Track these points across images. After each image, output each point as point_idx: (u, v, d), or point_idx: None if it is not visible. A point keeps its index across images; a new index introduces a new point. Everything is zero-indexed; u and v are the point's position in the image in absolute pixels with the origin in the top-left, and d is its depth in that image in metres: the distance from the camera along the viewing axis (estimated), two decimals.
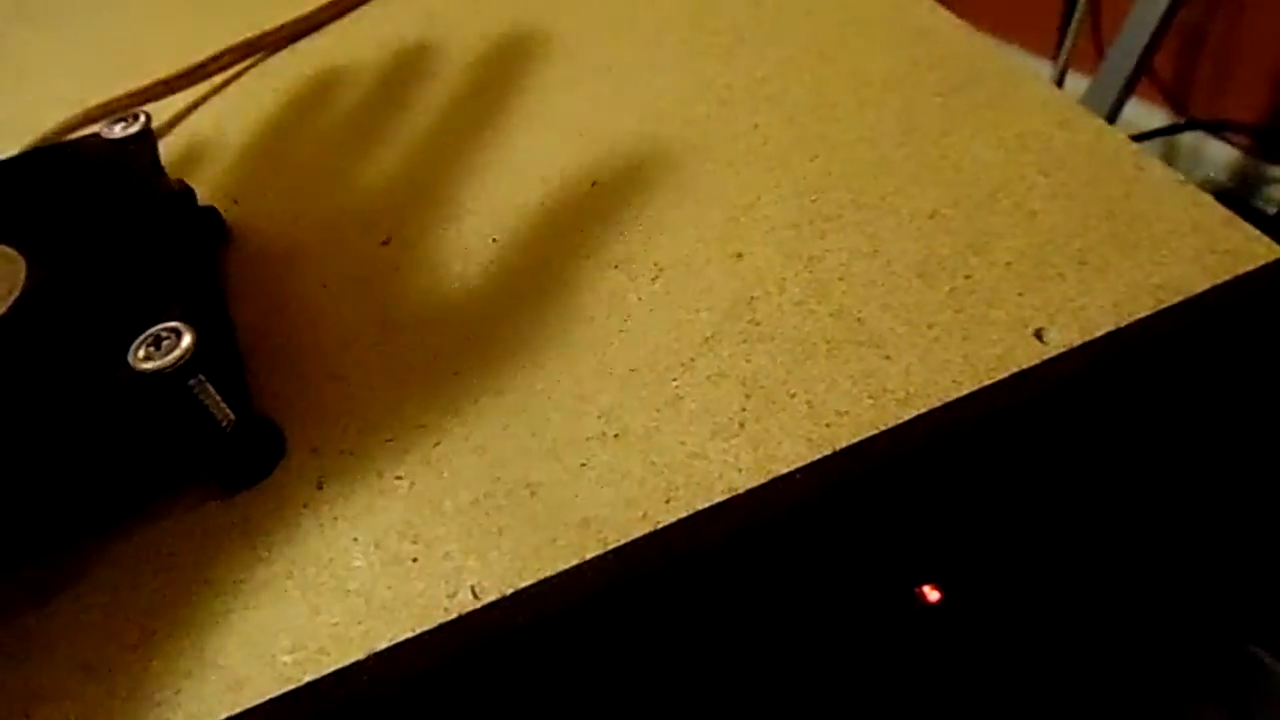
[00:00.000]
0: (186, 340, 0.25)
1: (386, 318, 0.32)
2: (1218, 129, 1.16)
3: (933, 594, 0.40)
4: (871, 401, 0.27)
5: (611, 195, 0.35)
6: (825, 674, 0.37)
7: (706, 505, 0.26)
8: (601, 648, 0.28)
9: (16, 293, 0.27)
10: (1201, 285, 0.29)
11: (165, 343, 0.25)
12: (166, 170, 0.33)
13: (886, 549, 0.34)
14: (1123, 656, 0.52)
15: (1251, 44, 1.11)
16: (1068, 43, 1.20)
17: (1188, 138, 1.19)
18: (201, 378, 0.25)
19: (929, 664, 0.42)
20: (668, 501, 0.26)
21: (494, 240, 0.34)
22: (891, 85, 0.37)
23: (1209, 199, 0.31)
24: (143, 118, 0.33)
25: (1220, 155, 1.18)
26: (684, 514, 0.25)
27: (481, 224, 0.35)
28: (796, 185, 0.34)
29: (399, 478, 0.27)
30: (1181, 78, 1.20)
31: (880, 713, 0.42)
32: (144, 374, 0.24)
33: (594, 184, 0.35)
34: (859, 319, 0.29)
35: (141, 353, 0.25)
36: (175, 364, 0.24)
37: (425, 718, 0.26)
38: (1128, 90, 1.05)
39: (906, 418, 0.27)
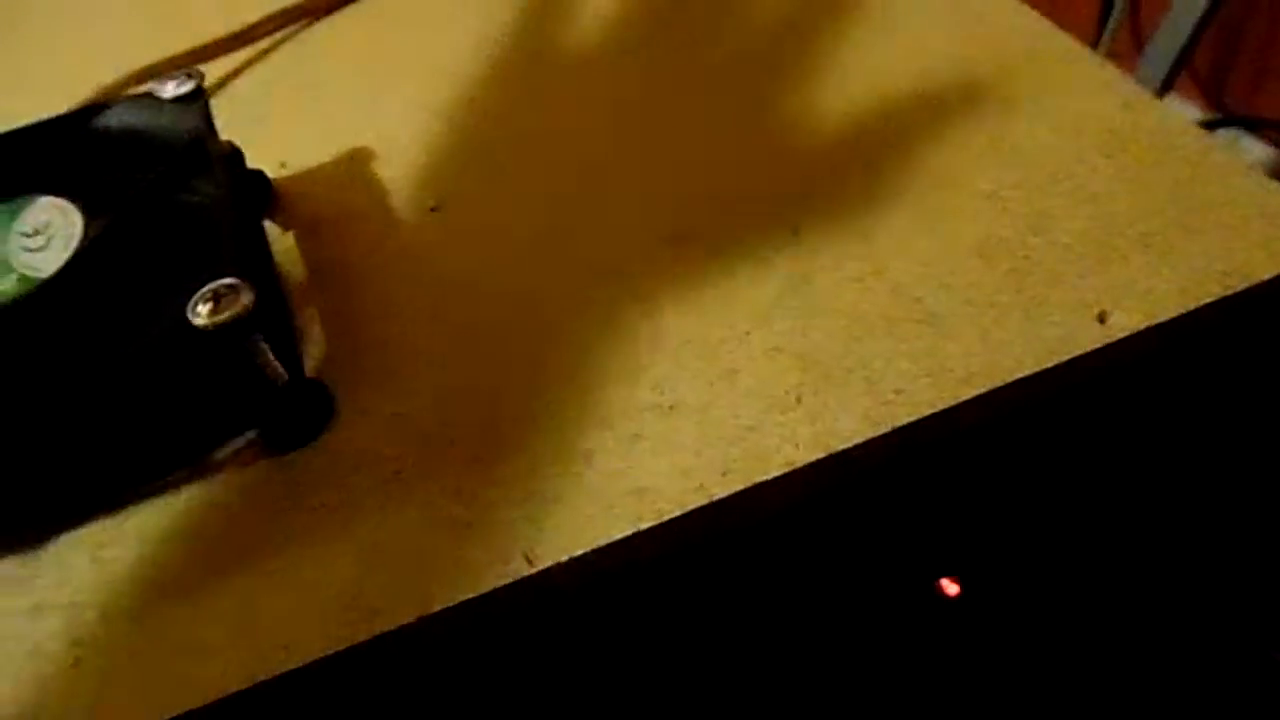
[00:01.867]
0: (246, 297, 0.24)
1: (436, 284, 0.32)
2: (1254, 126, 1.14)
3: (952, 588, 0.39)
4: (930, 380, 0.27)
5: (668, 166, 0.34)
6: (843, 663, 0.37)
7: (764, 479, 0.25)
8: (648, 618, 0.28)
9: (75, 244, 0.27)
10: (1269, 271, 0.28)
11: (225, 299, 0.24)
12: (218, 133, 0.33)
13: (914, 537, 0.34)
14: (1143, 659, 0.52)
15: None
16: (1106, 37, 1.18)
17: (1224, 134, 1.17)
18: (259, 336, 0.25)
19: (945, 657, 0.41)
20: (724, 474, 0.25)
21: (546, 212, 0.34)
22: (949, 64, 0.37)
23: (1276, 185, 0.31)
24: (196, 77, 0.33)
25: (1256, 152, 1.16)
26: (741, 486, 0.25)
27: (533, 191, 0.35)
28: (856, 162, 0.33)
29: (451, 442, 0.27)
30: (1219, 74, 1.18)
31: (898, 704, 0.42)
32: (205, 328, 0.24)
33: (650, 155, 0.35)
34: (917, 298, 0.29)
35: (201, 308, 0.24)
36: (235, 319, 0.24)
37: (477, 683, 0.26)
38: (1166, 86, 1.04)
39: (966, 397, 0.26)
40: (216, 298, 0.25)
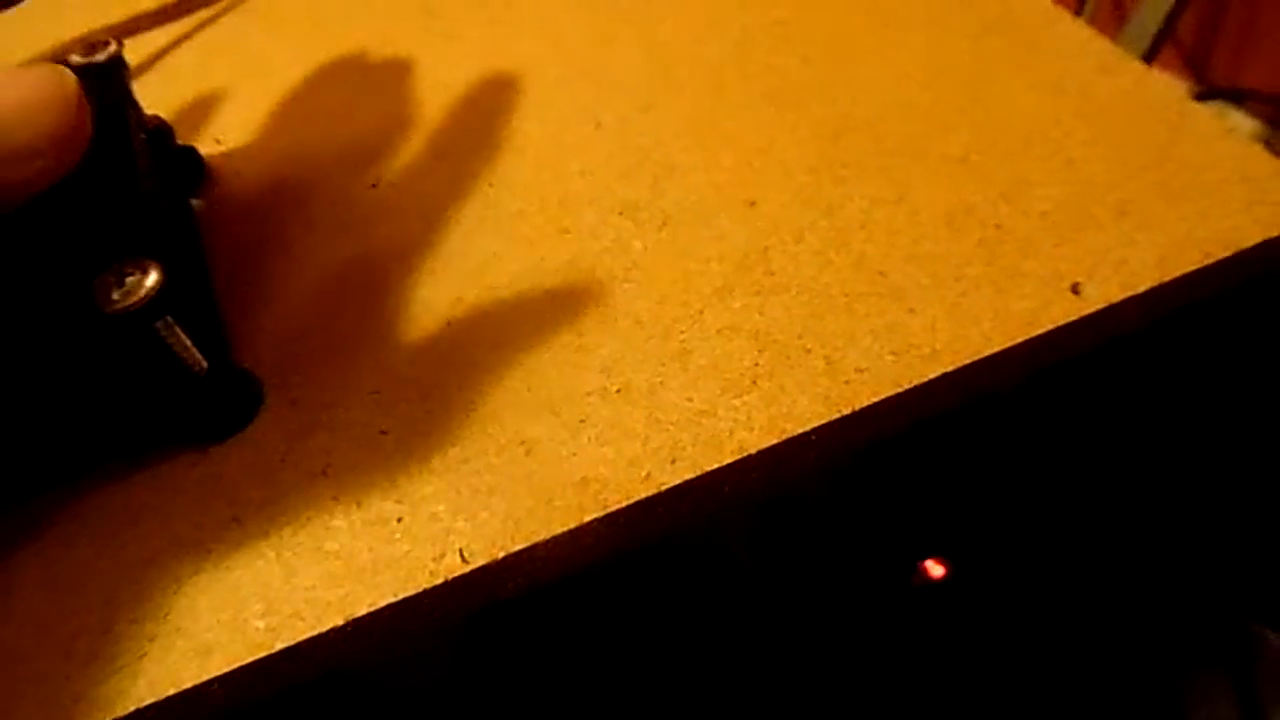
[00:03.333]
0: (153, 278, 0.22)
1: (374, 265, 0.30)
2: (1240, 98, 1.13)
3: (937, 569, 0.38)
4: (894, 358, 0.25)
5: (617, 137, 0.33)
6: (828, 647, 0.36)
7: (715, 466, 0.24)
8: (599, 617, 0.26)
9: None
10: (1252, 238, 0.27)
11: (130, 280, 0.22)
12: (143, 107, 0.31)
13: (896, 520, 0.32)
14: (1127, 634, 0.51)
15: (1275, 11, 1.08)
16: (1087, 9, 1.16)
17: (1209, 106, 1.16)
18: (169, 319, 0.23)
19: (930, 638, 0.40)
20: (673, 461, 0.24)
21: (490, 185, 0.32)
22: (918, 25, 0.35)
23: (1259, 149, 0.29)
24: (113, 44, 0.30)
25: (1242, 124, 1.15)
26: (690, 475, 0.24)
27: (477, 166, 0.33)
28: (815, 129, 0.32)
29: (383, 432, 0.25)
30: (1203, 46, 1.16)
31: (883, 687, 0.40)
32: (106, 314, 0.22)
33: (598, 125, 0.33)
34: (881, 271, 0.27)
35: (104, 292, 0.22)
36: (140, 303, 0.22)
37: (409, 689, 0.24)
38: (1149, 58, 1.02)
39: (932, 376, 0.25)
40: (121, 279, 0.23)
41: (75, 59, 0.30)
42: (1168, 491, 0.40)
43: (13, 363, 0.23)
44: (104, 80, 0.29)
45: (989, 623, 0.42)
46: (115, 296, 0.22)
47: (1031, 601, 0.42)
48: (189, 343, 0.24)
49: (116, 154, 0.27)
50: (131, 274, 0.23)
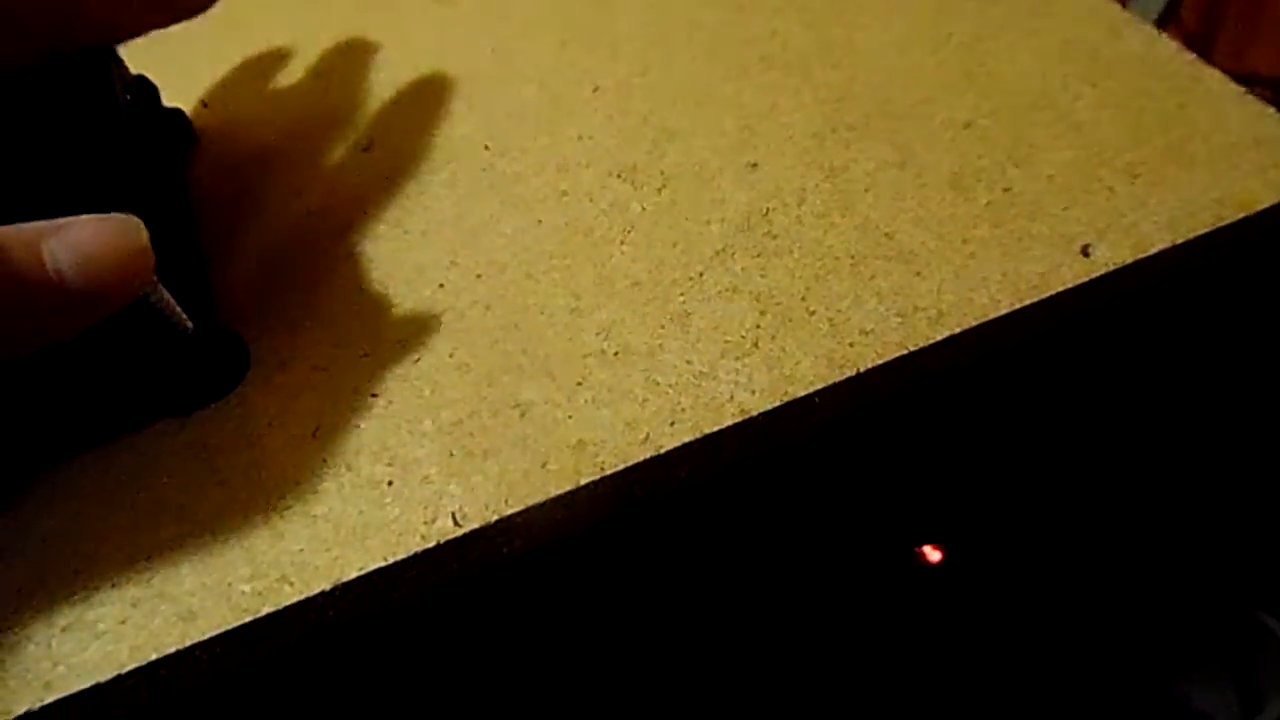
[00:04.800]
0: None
1: (367, 227, 0.29)
2: (1245, 82, 1.12)
3: (934, 554, 0.37)
4: (900, 320, 0.24)
5: (615, 100, 0.32)
6: (820, 622, 0.35)
7: (715, 429, 0.23)
8: (595, 580, 0.25)
9: None
10: (1265, 201, 0.26)
11: None
12: (131, 68, 0.30)
13: (896, 497, 0.32)
14: (1127, 620, 0.50)
15: None
16: None
17: None
18: (155, 280, 0.22)
19: (928, 624, 0.39)
20: (672, 424, 0.23)
21: (486, 147, 0.31)
22: None
23: (1272, 111, 0.28)
24: None
25: None
26: (689, 438, 0.23)
27: (472, 129, 0.32)
28: (818, 93, 0.31)
29: (374, 395, 0.25)
30: (1207, 29, 1.15)
31: (880, 671, 0.40)
32: None
33: (596, 89, 0.32)
34: (886, 233, 0.27)
35: None
36: None
37: (398, 655, 0.24)
38: None
39: (938, 338, 0.24)
40: None
41: None
42: (1169, 476, 0.39)
43: None
44: None
45: (987, 608, 0.42)
46: None
47: (1030, 587, 0.42)
48: (175, 304, 0.23)
49: (97, 115, 0.27)
50: None
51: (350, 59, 0.36)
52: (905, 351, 0.24)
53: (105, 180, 0.24)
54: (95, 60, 0.28)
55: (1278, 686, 0.58)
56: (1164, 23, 0.98)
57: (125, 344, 0.24)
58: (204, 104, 0.34)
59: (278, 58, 0.36)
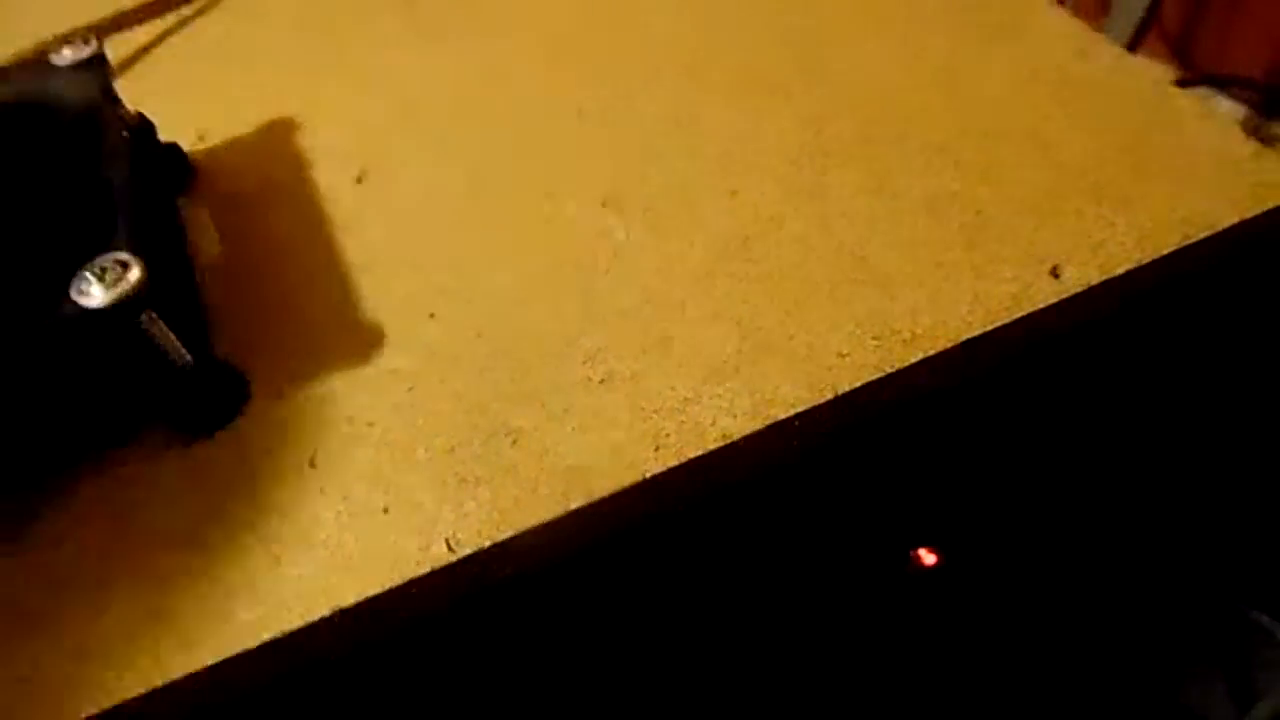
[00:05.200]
0: (135, 273, 0.23)
1: (359, 258, 0.30)
2: (1225, 84, 1.13)
3: (929, 558, 0.38)
4: (876, 343, 0.25)
5: (599, 126, 0.33)
6: (816, 634, 0.36)
7: (699, 453, 0.24)
8: (586, 605, 0.26)
9: None
10: (1229, 219, 0.27)
11: (112, 275, 0.23)
12: (127, 104, 0.31)
13: (885, 507, 0.33)
14: (1122, 620, 0.51)
15: None
16: None
17: (1195, 93, 1.16)
18: (153, 314, 0.23)
19: (923, 627, 0.40)
20: (657, 449, 0.24)
21: (474, 177, 0.32)
22: (897, 13, 0.35)
23: (1236, 130, 0.29)
24: (94, 42, 0.30)
25: (1228, 110, 1.15)
26: (674, 462, 0.24)
27: (460, 159, 0.33)
28: (796, 117, 0.32)
29: (370, 424, 0.26)
30: (1188, 31, 1.17)
31: (877, 674, 0.41)
32: (89, 309, 0.22)
33: (580, 114, 0.33)
34: (862, 257, 0.27)
35: (89, 285, 0.23)
36: (123, 298, 0.22)
37: (397, 679, 0.24)
38: (1134, 45, 1.03)
39: (913, 360, 0.25)
40: (103, 274, 0.23)
41: (55, 59, 0.30)
42: (1162, 477, 0.40)
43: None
44: (85, 77, 0.30)
45: (982, 610, 0.42)
46: (97, 292, 0.22)
47: (1025, 589, 0.42)
48: (173, 337, 0.24)
49: (94, 151, 0.27)
50: (113, 270, 0.23)
51: (340, 91, 0.36)
52: (882, 374, 0.25)
53: (102, 216, 0.25)
54: (91, 101, 0.29)
55: (1270, 682, 0.59)
56: (1144, 28, 0.99)
57: (124, 376, 0.25)
58: (200, 137, 0.35)
59: (270, 91, 0.37)
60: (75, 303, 0.22)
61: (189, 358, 0.25)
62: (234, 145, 0.35)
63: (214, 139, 0.35)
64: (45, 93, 0.29)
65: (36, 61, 0.31)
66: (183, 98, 0.37)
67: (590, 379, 0.26)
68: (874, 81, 0.32)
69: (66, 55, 0.30)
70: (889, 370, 0.25)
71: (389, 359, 0.27)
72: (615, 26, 0.37)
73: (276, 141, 0.35)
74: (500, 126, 0.33)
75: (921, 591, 0.38)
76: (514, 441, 0.25)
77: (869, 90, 0.32)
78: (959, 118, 0.31)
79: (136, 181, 0.27)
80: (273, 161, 0.34)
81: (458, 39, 0.38)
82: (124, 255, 0.23)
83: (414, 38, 0.38)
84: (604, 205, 0.30)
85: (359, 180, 0.33)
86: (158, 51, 0.41)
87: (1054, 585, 0.44)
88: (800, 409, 0.24)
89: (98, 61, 0.30)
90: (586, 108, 0.34)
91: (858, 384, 0.25)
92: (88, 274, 0.23)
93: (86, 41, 0.30)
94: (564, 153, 0.32)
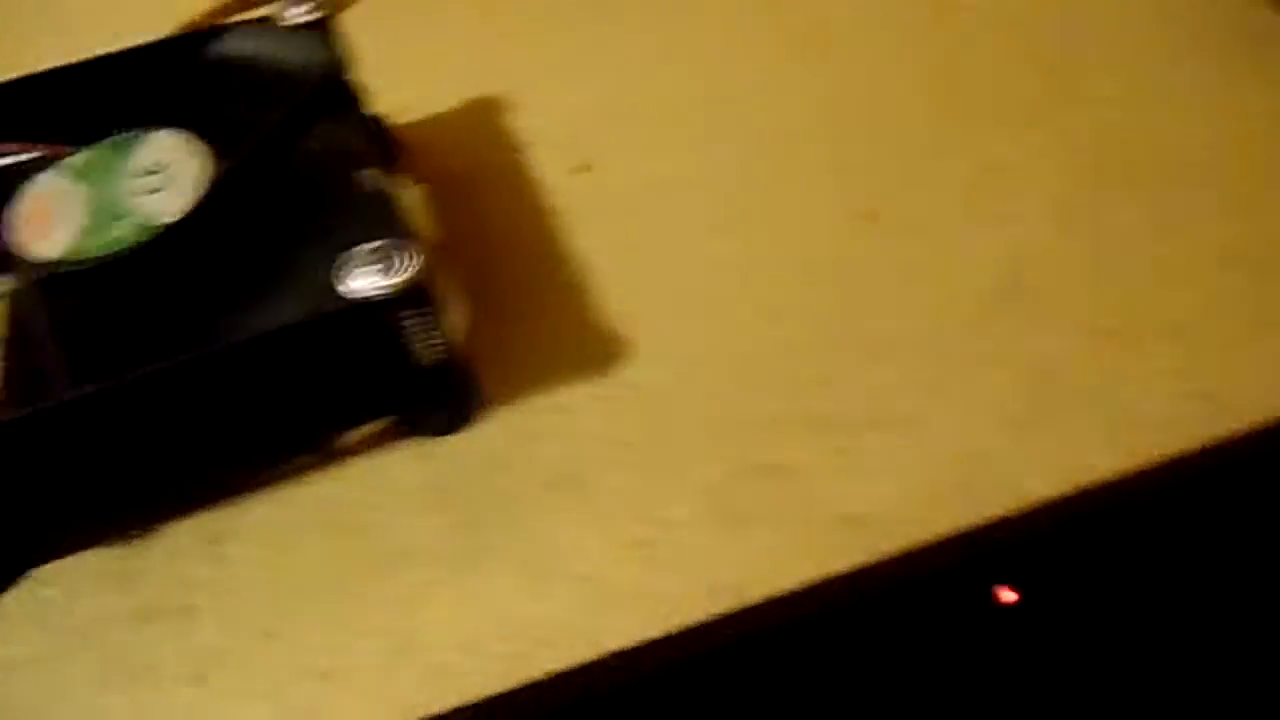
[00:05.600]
0: (418, 258, 0.21)
1: (592, 256, 0.28)
2: None
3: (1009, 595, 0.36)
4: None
5: (860, 138, 0.30)
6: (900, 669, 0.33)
7: (1002, 513, 0.22)
8: (862, 657, 0.24)
9: (199, 186, 0.23)
10: None
11: (392, 262, 0.21)
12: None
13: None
14: (1198, 675, 0.48)
15: None
16: None
17: None
18: (430, 306, 0.21)
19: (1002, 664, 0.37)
20: (949, 503, 0.22)
21: (714, 177, 0.30)
22: (1153, 36, 0.32)
23: None
24: (324, 3, 0.29)
25: None
26: (975, 521, 0.21)
27: (692, 154, 0.30)
28: (1066, 143, 0.29)
29: (627, 446, 0.23)
30: None
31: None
32: (373, 296, 0.20)
33: (838, 122, 0.31)
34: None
35: (362, 272, 0.21)
36: (410, 286, 0.20)
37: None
38: None
39: (1239, 430, 0.22)
40: (382, 261, 0.21)
41: (281, 17, 0.28)
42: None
43: (252, 344, 0.21)
44: (313, 40, 0.28)
45: (1060, 649, 0.40)
46: (380, 279, 0.20)
47: (1105, 630, 0.40)
48: (439, 328, 0.22)
49: (335, 123, 0.26)
50: (392, 256, 0.21)
51: (553, 70, 0.34)
52: (1200, 445, 0.22)
53: (365, 198, 0.23)
54: (329, 76, 0.27)
55: None
56: None
57: (376, 370, 0.23)
58: (401, 111, 0.33)
59: (475, 64, 0.35)
60: (350, 291, 0.20)
61: (444, 351, 0.23)
62: (439, 123, 0.33)
63: (421, 118, 0.33)
64: (275, 54, 0.28)
65: (259, 20, 0.29)
66: (381, 69, 0.35)
67: (867, 417, 0.23)
68: (1155, 118, 0.30)
69: (292, 14, 0.28)
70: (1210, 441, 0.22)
71: (631, 372, 0.25)
72: (859, 26, 0.34)
73: (490, 124, 0.32)
74: (742, 125, 0.31)
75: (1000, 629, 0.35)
76: (785, 478, 0.22)
77: (1154, 126, 0.29)
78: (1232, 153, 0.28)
79: (383, 160, 0.25)
80: (485, 145, 0.32)
81: (686, 17, 0.35)
82: (400, 240, 0.21)
83: (637, 14, 0.35)
84: (862, 218, 0.28)
85: (582, 170, 0.30)
86: (348, 17, 0.39)
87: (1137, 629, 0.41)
88: (1109, 476, 0.22)
89: (324, 24, 0.28)
90: (847, 117, 0.31)
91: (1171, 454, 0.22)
92: (361, 260, 0.21)
93: (315, 2, 0.28)
94: (817, 164, 0.29)
